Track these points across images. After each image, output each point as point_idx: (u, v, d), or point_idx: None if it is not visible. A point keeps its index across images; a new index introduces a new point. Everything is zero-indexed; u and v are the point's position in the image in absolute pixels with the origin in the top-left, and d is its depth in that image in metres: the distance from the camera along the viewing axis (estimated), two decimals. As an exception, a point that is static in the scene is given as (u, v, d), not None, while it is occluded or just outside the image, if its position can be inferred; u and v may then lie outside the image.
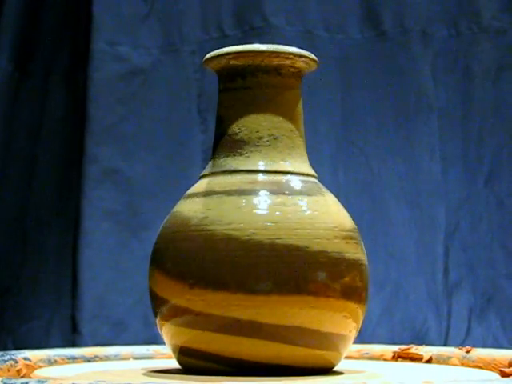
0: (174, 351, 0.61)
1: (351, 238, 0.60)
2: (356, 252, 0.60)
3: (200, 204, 0.60)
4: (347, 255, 0.59)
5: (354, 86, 1.22)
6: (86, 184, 1.18)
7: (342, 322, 0.59)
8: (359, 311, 0.60)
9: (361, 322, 0.61)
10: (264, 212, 0.58)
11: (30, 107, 1.26)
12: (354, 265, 0.59)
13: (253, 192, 0.59)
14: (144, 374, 0.61)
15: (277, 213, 0.58)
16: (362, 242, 0.61)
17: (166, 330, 0.61)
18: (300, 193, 0.60)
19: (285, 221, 0.58)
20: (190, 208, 0.60)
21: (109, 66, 1.19)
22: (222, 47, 0.62)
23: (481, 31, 1.21)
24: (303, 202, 0.59)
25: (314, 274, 0.57)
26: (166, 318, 0.60)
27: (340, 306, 0.58)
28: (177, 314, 0.59)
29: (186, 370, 0.61)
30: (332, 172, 1.19)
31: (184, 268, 0.58)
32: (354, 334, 0.61)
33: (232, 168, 0.61)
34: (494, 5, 1.21)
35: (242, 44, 0.62)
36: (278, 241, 0.57)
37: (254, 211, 0.58)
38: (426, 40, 1.21)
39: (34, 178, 1.25)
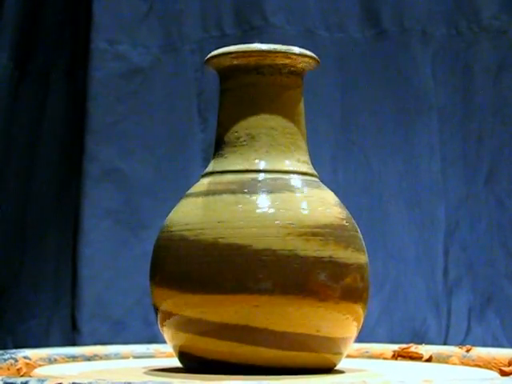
0: (174, 351, 0.61)
1: (315, 234, 0.57)
2: (320, 250, 0.57)
3: (186, 205, 0.61)
4: (304, 252, 0.56)
5: (353, 86, 1.22)
6: (86, 183, 1.18)
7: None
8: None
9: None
10: (214, 212, 0.58)
11: (30, 106, 1.26)
12: (315, 262, 0.56)
13: (217, 192, 0.59)
14: (145, 373, 0.61)
15: (230, 212, 0.58)
16: (345, 239, 0.58)
17: (164, 333, 0.61)
18: (268, 191, 0.58)
19: (231, 220, 0.57)
20: (178, 209, 0.61)
21: (109, 64, 1.19)
22: (221, 46, 0.62)
23: (481, 30, 1.21)
24: (263, 200, 0.58)
25: (257, 272, 0.56)
26: (162, 323, 0.60)
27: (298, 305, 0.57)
28: (167, 318, 0.59)
29: (187, 369, 0.61)
30: (332, 171, 1.19)
31: (160, 272, 0.60)
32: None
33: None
34: (493, 4, 1.21)
35: (242, 43, 0.62)
36: (220, 240, 0.57)
37: (208, 211, 0.58)
38: (426, 39, 1.21)
39: (34, 177, 1.25)
